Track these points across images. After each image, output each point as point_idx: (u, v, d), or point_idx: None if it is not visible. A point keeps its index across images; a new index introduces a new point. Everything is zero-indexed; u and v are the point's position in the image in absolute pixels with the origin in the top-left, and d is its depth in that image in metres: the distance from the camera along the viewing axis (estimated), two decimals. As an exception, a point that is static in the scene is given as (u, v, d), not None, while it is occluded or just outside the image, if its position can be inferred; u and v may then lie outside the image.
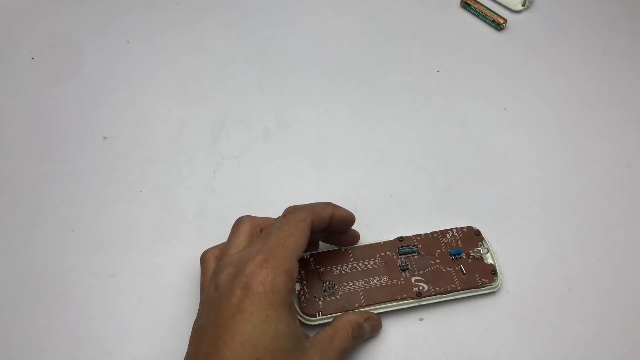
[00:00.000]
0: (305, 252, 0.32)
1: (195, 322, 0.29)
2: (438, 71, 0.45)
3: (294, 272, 0.29)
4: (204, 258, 0.33)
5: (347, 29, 0.48)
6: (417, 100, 0.44)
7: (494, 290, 0.34)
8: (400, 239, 0.36)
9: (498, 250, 0.36)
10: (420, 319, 0.34)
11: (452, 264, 0.35)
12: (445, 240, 0.36)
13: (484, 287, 0.34)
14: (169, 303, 0.35)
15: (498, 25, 0.47)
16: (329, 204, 0.33)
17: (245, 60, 0.46)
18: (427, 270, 0.34)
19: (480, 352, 0.33)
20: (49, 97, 0.44)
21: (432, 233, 0.36)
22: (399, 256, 0.35)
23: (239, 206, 0.39)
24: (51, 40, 0.47)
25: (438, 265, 0.35)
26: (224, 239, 0.37)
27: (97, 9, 0.49)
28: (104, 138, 0.42)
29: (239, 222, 0.33)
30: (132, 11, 0.49)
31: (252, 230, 0.32)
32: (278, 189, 0.40)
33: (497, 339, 0.33)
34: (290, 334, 0.27)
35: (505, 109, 0.43)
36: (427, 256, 0.35)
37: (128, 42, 0.47)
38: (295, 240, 0.30)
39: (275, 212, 0.36)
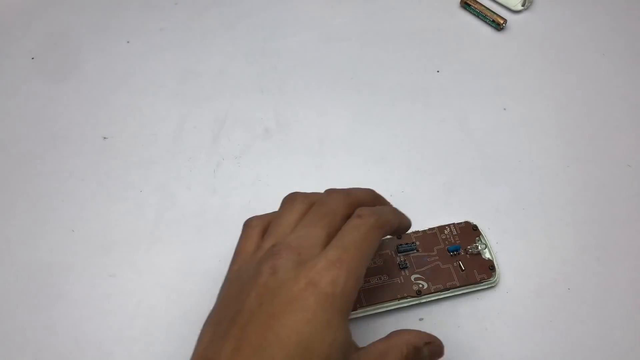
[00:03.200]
0: None
1: (230, 299, 0.26)
2: (438, 71, 0.45)
3: (361, 282, 0.26)
4: (249, 224, 0.30)
5: (347, 29, 0.48)
6: (417, 100, 0.44)
7: (492, 285, 0.35)
8: (399, 236, 0.36)
9: (498, 250, 0.36)
10: (420, 319, 0.34)
11: (451, 261, 0.35)
12: (443, 237, 0.36)
13: (482, 282, 0.34)
14: (169, 303, 0.35)
15: (498, 25, 0.47)
16: (395, 211, 0.31)
17: (245, 60, 0.46)
18: (426, 267, 0.34)
19: (481, 352, 0.33)
20: (49, 97, 0.44)
21: (430, 229, 0.36)
22: (398, 254, 0.35)
23: (239, 206, 0.39)
24: (51, 40, 0.47)
25: (437, 263, 0.35)
26: (224, 238, 0.37)
27: (97, 9, 0.49)
28: (104, 138, 0.42)
29: (293, 199, 0.30)
30: (132, 11, 0.49)
31: (306, 209, 0.29)
32: (278, 189, 0.39)
33: (497, 338, 0.33)
34: (345, 345, 0.25)
35: (505, 109, 0.43)
36: (426, 253, 0.35)
37: (128, 42, 0.47)
38: (369, 247, 0.27)
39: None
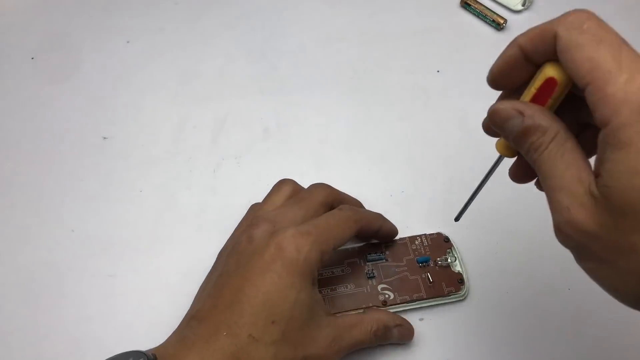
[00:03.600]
0: None
1: (217, 266, 0.31)
2: (438, 71, 0.45)
3: (325, 257, 0.29)
4: (251, 208, 0.34)
5: (347, 29, 0.48)
6: (417, 100, 0.44)
7: (461, 299, 0.34)
8: (369, 245, 0.35)
9: (499, 249, 0.36)
10: (420, 319, 0.34)
11: (419, 272, 0.34)
12: (414, 247, 0.35)
13: (450, 295, 0.34)
14: (169, 303, 0.35)
15: (498, 25, 0.47)
16: (380, 216, 0.34)
17: (245, 60, 0.46)
18: (394, 278, 0.34)
19: (481, 352, 0.33)
20: (49, 97, 0.44)
21: (400, 239, 0.36)
22: (366, 263, 0.34)
23: (239, 206, 0.39)
24: (51, 40, 0.47)
25: (405, 273, 0.34)
26: (224, 238, 0.37)
27: (97, 9, 0.49)
28: (104, 138, 0.42)
29: (283, 182, 0.34)
30: (132, 11, 0.49)
31: (292, 194, 0.33)
32: (278, 189, 0.40)
33: (497, 339, 0.33)
34: (309, 305, 0.28)
35: (505, 109, 0.43)
36: (395, 263, 0.35)
37: (128, 42, 0.47)
38: (340, 233, 0.30)
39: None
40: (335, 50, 0.47)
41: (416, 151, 0.41)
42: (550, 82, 0.22)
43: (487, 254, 0.36)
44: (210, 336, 0.27)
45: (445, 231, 0.36)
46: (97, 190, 0.40)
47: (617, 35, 0.20)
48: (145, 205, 0.39)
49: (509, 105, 0.23)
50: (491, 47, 0.47)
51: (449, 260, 0.35)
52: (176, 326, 0.34)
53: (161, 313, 0.35)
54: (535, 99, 0.23)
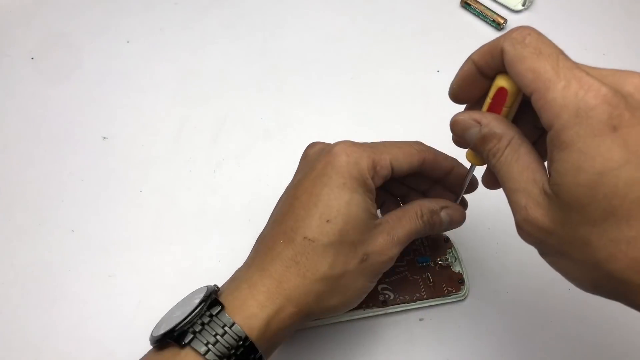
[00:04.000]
0: None
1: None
2: (438, 71, 0.45)
3: (381, 172, 0.28)
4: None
5: (347, 29, 0.48)
6: (417, 100, 0.44)
7: (461, 299, 0.34)
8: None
9: (499, 249, 0.36)
10: (420, 319, 0.34)
11: (420, 272, 0.34)
12: (414, 247, 0.35)
13: (450, 295, 0.34)
14: (169, 303, 0.35)
15: (498, 25, 0.47)
16: (453, 159, 0.32)
17: (245, 60, 0.46)
18: (394, 278, 0.34)
19: (480, 352, 0.33)
20: (49, 97, 0.44)
21: None
22: None
23: (239, 206, 0.39)
24: (51, 40, 0.47)
25: (405, 273, 0.34)
26: (224, 238, 0.37)
27: (97, 9, 0.49)
28: (104, 138, 0.42)
29: None
30: (132, 11, 0.49)
31: None
32: (278, 189, 0.39)
33: (497, 339, 0.33)
34: (364, 206, 0.28)
35: (505, 109, 0.43)
36: (395, 263, 0.34)
37: (128, 42, 0.47)
38: (398, 153, 0.29)
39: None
40: (335, 50, 0.47)
41: (416, 151, 0.41)
42: (501, 91, 0.24)
43: (487, 254, 0.36)
44: (268, 249, 0.28)
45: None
46: (97, 190, 0.40)
47: (555, 47, 0.22)
48: (145, 205, 0.39)
49: (467, 116, 0.25)
50: (491, 47, 0.47)
51: (449, 260, 0.35)
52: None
53: (161, 313, 0.34)
54: (491, 109, 0.25)
